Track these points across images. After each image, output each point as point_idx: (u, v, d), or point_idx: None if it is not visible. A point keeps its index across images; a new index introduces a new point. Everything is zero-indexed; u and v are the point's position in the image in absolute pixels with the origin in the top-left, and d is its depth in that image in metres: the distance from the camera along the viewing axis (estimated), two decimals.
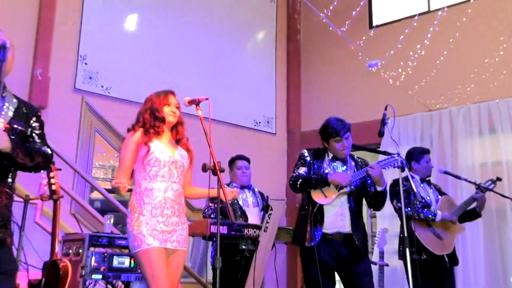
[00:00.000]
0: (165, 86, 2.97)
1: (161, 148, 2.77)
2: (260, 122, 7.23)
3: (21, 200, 3.38)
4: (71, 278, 3.19)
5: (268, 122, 7.33)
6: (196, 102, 2.82)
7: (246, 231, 3.89)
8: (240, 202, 4.25)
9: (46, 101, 5.30)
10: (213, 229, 3.67)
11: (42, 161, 2.25)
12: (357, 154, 3.58)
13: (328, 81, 7.33)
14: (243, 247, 3.96)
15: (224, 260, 3.97)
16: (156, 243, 2.62)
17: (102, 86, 5.83)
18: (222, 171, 2.64)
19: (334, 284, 3.35)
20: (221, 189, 2.57)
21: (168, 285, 2.58)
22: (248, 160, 4.52)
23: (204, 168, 2.63)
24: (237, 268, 3.98)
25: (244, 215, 4.21)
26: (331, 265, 3.26)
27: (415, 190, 3.47)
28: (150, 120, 2.80)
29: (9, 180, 2.18)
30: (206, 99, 2.79)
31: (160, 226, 2.66)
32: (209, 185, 2.77)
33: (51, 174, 3.35)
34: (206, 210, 4.25)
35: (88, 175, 5.47)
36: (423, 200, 4.01)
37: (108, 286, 3.80)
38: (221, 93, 6.72)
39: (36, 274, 3.36)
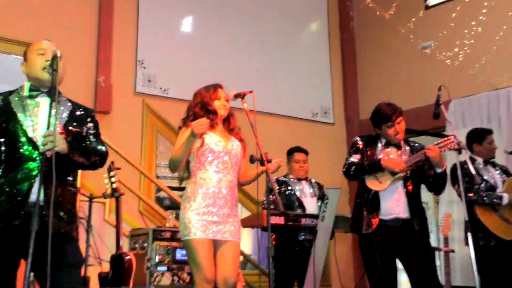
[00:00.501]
0: (221, 83, 3.01)
1: (215, 139, 2.83)
2: (317, 113, 7.21)
3: (86, 199, 3.60)
4: (136, 270, 3.36)
5: (325, 112, 7.30)
6: (241, 96, 2.87)
7: (303, 221, 3.91)
8: (297, 193, 4.28)
9: (110, 106, 5.60)
10: (270, 220, 3.72)
11: (98, 160, 2.41)
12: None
13: (384, 67, 7.17)
14: (302, 237, 3.99)
15: (283, 250, 4.10)
16: (204, 234, 2.68)
17: (160, 88, 6.07)
18: (269, 161, 2.68)
19: (396, 271, 3.29)
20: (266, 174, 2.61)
21: (211, 274, 2.65)
22: (306, 152, 4.52)
23: (252, 159, 2.69)
24: (296, 258, 4.02)
25: (301, 205, 4.24)
26: (391, 252, 3.21)
27: (473, 172, 3.33)
28: (201, 114, 2.85)
29: (70, 178, 2.35)
30: (251, 92, 2.82)
31: (212, 216, 2.72)
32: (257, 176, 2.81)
33: (111, 173, 3.55)
34: (265, 202, 4.31)
35: (153, 174, 5.72)
36: (487, 184, 3.84)
37: (175, 277, 3.97)
38: (276, 87, 6.79)
39: (107, 266, 3.59)
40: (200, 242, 2.68)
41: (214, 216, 2.73)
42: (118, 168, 3.68)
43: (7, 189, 2.17)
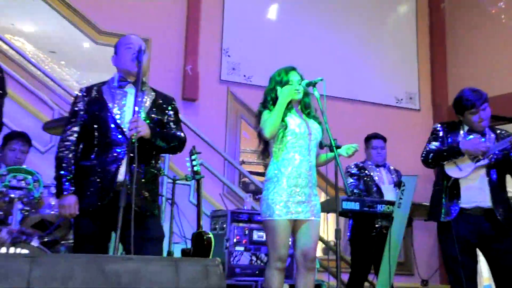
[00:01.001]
0: (303, 70, 3.08)
1: (296, 121, 2.91)
2: (402, 99, 7.04)
3: (171, 181, 3.88)
4: (216, 249, 3.59)
5: (411, 98, 7.10)
6: (312, 84, 2.93)
7: (379, 207, 3.91)
8: (376, 179, 4.28)
9: (196, 94, 5.91)
10: (346, 205, 3.78)
11: (177, 144, 2.63)
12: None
13: (476, 50, 6.82)
14: (378, 223, 3.99)
15: (360, 236, 4.13)
16: (286, 215, 2.78)
17: (244, 76, 6.27)
18: (338, 147, 2.74)
19: (476, 262, 3.19)
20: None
21: (285, 254, 2.77)
22: (384, 139, 4.49)
23: (321, 145, 2.76)
24: (373, 244, 4.03)
25: (379, 192, 4.23)
26: (471, 242, 3.11)
27: None
28: (277, 97, 2.92)
29: (153, 161, 2.59)
30: (322, 79, 2.87)
31: (294, 197, 2.81)
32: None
33: (193, 157, 3.80)
34: (348, 185, 4.33)
35: (237, 159, 5.96)
36: None
37: (253, 257, 4.16)
38: (359, 72, 6.73)
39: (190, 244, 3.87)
40: (280, 223, 2.78)
41: (296, 196, 2.81)
42: (199, 152, 3.91)
43: (99, 170, 2.45)
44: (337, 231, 2.65)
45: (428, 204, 3.92)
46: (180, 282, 1.46)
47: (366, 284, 4.38)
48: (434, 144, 3.34)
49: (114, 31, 5.60)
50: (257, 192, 6.07)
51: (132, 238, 2.18)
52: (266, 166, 6.44)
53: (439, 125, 3.40)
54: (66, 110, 4.86)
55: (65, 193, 2.41)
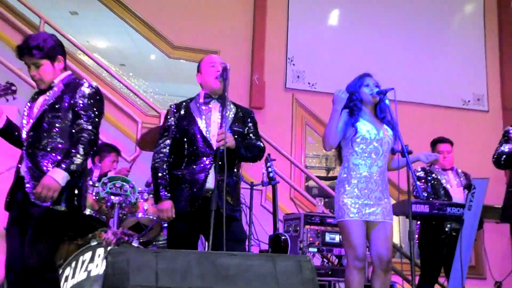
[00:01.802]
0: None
1: (367, 126, 3.03)
2: (469, 101, 6.97)
3: (248, 186, 4.14)
4: (290, 250, 3.80)
5: (478, 99, 7.02)
6: (383, 93, 3.07)
7: (448, 209, 3.98)
8: (443, 182, 4.34)
9: (263, 102, 6.18)
10: (415, 208, 3.88)
11: (257, 153, 2.88)
12: None
13: None
14: (448, 226, 4.06)
15: (429, 238, 4.20)
16: (358, 216, 2.91)
17: (308, 83, 6.49)
18: (410, 153, 2.88)
19: None
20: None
21: (363, 253, 2.90)
22: (451, 143, 4.53)
23: (393, 151, 2.91)
24: (443, 247, 4.09)
25: (447, 195, 4.29)
26: None
27: None
28: (350, 103, 3.05)
29: (235, 169, 2.86)
30: (392, 89, 3.02)
31: (364, 199, 2.93)
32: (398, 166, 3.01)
33: (268, 164, 4.04)
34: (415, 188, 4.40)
35: (302, 165, 6.16)
36: None
37: (324, 259, 4.34)
38: (425, 75, 6.74)
39: (264, 246, 4.11)
40: (354, 223, 2.91)
41: (366, 199, 2.94)
42: (274, 159, 4.15)
43: (189, 178, 2.74)
44: (411, 233, 2.79)
45: (499, 206, 3.96)
46: (278, 274, 1.69)
47: (437, 286, 4.43)
48: (506, 146, 3.40)
49: (187, 46, 5.99)
50: (319, 196, 6.24)
51: (224, 239, 2.46)
52: (328, 170, 6.68)
53: (510, 128, 3.45)
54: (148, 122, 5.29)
55: (163, 199, 2.71)
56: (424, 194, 4.29)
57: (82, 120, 2.51)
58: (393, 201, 3.22)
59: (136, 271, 1.59)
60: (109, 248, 2.84)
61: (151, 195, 3.51)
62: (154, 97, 8.06)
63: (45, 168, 2.44)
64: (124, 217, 3.40)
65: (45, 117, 2.51)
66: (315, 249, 4.03)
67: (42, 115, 2.51)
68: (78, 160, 2.43)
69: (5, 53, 4.99)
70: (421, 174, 4.41)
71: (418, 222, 4.35)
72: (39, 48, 2.51)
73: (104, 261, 2.85)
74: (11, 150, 3.00)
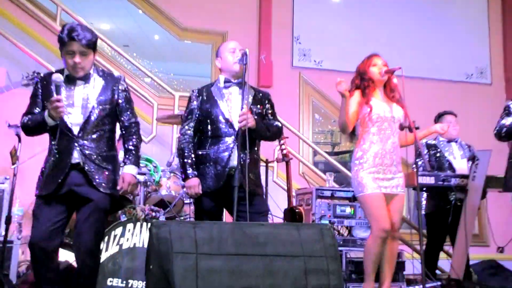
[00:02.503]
0: (371, 51, 3.34)
1: (380, 105, 3.21)
2: (472, 74, 7.11)
3: (263, 164, 4.34)
4: (305, 222, 4.03)
5: (481, 72, 7.15)
6: (390, 72, 3.24)
7: (453, 180, 4.18)
8: (446, 154, 4.52)
9: (270, 81, 6.33)
10: (421, 180, 4.07)
11: (276, 132, 3.09)
12: None
13: None
14: (452, 196, 4.26)
15: (435, 209, 4.42)
16: (376, 189, 3.10)
17: (314, 61, 6.63)
18: (417, 128, 3.07)
19: None
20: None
21: (387, 224, 3.07)
22: (455, 115, 4.70)
23: (401, 127, 3.10)
24: (448, 216, 4.30)
25: (451, 167, 4.48)
26: None
27: None
28: (361, 83, 3.23)
29: (255, 148, 3.07)
30: (399, 68, 3.18)
31: (381, 174, 3.13)
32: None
33: (281, 142, 4.24)
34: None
35: (311, 141, 6.36)
36: None
37: (335, 231, 4.57)
38: (428, 50, 6.85)
39: (277, 220, 4.33)
40: (374, 196, 3.10)
41: (383, 173, 3.14)
42: (287, 137, 4.35)
43: (213, 157, 2.95)
44: (418, 203, 3.01)
45: (502, 176, 4.17)
46: (302, 241, 1.90)
47: (443, 254, 4.66)
48: (507, 119, 3.58)
49: (195, 27, 6.14)
50: (326, 171, 6.44)
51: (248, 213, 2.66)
52: (333, 145, 6.92)
53: (511, 102, 3.63)
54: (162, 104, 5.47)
55: (190, 177, 2.93)
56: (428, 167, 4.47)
57: (129, 112, 2.82)
58: None
59: (178, 240, 1.80)
60: (137, 224, 3.07)
61: (172, 174, 3.72)
62: (159, 76, 8.23)
63: (95, 157, 2.67)
64: (149, 194, 3.62)
65: (95, 108, 2.69)
66: (327, 221, 4.25)
67: (90, 105, 2.69)
68: (139, 152, 2.80)
69: (24, 40, 5.17)
70: (426, 148, 4.59)
71: (424, 194, 4.56)
72: (92, 40, 2.68)
73: (133, 235, 3.09)
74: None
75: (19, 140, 3.39)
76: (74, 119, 2.67)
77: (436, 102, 5.97)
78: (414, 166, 4.55)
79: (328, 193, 4.36)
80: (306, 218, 4.19)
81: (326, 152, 6.53)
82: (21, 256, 3.56)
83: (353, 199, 4.29)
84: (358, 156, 3.21)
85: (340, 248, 4.23)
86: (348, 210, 4.30)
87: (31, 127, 2.73)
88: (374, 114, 3.17)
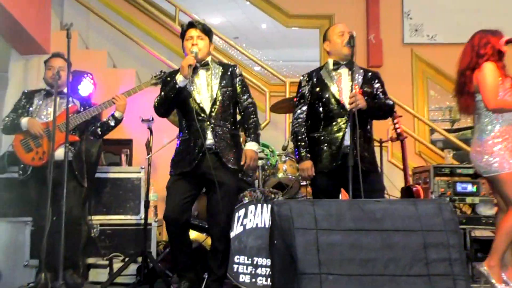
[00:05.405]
0: (486, 21, 3.20)
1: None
2: None
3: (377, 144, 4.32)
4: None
5: None
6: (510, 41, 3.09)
7: None
8: None
9: (380, 60, 6.21)
10: None
11: (388, 111, 3.10)
12: None
13: None
14: None
15: None
16: None
17: (427, 36, 6.37)
18: None
19: None
20: None
21: None
22: None
23: None
24: None
25: None
26: None
27: None
28: (495, 56, 3.11)
29: (368, 127, 3.11)
30: None
31: None
32: None
33: (395, 121, 4.19)
34: None
35: (427, 118, 6.14)
36: None
37: (456, 209, 4.41)
38: None
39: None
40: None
41: None
42: (400, 116, 4.29)
43: (328, 138, 3.06)
44: None
45: None
46: (420, 216, 1.93)
47: None
48: None
49: (302, 13, 6.22)
50: (445, 148, 6.17)
51: (362, 191, 2.72)
52: (453, 122, 6.61)
53: None
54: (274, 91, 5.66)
55: (304, 159, 3.07)
56: None
57: (246, 94, 3.11)
58: None
59: (299, 217, 1.93)
60: (258, 204, 3.26)
61: (288, 158, 3.88)
62: (269, 64, 8.47)
63: (225, 136, 2.99)
64: (267, 178, 3.80)
65: (221, 94, 3.02)
66: (447, 199, 4.13)
67: (215, 88, 3.02)
68: (257, 130, 3.05)
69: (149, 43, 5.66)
70: None
71: None
72: (206, 26, 3.09)
73: (255, 216, 3.29)
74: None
75: (151, 133, 3.76)
76: (203, 102, 2.99)
77: None
78: None
79: (447, 171, 4.23)
80: (424, 196, 4.11)
81: (445, 130, 6.26)
82: (158, 236, 3.95)
83: (475, 176, 4.11)
84: (498, 133, 3.07)
85: (463, 226, 4.12)
86: (470, 187, 4.14)
87: (163, 98, 3.04)
88: (507, 87, 3.09)
